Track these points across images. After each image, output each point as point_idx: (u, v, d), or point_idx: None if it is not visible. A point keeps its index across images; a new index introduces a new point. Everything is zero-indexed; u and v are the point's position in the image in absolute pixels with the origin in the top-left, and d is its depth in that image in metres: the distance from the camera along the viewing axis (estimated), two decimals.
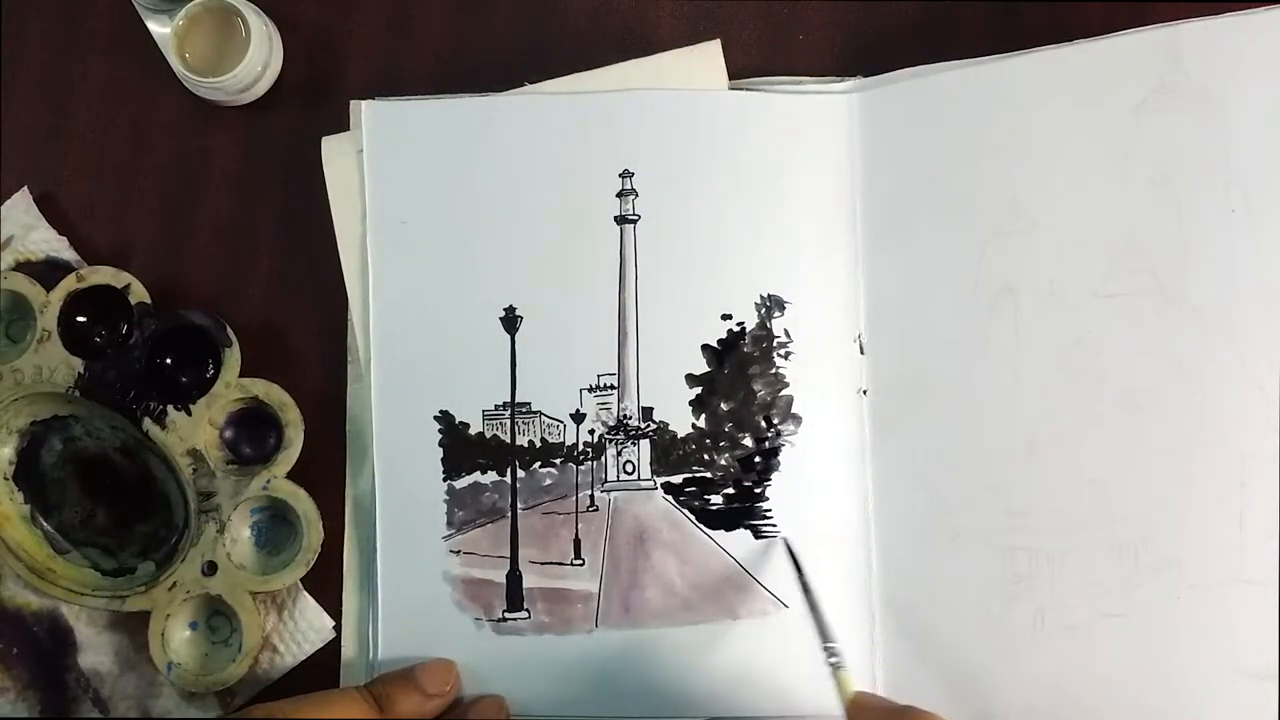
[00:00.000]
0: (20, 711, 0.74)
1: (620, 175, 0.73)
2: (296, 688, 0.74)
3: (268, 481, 0.73)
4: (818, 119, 0.74)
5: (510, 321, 0.73)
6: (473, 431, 0.73)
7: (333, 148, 0.76)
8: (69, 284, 0.73)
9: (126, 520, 0.76)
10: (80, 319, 0.74)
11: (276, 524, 0.75)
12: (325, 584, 0.75)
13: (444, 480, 0.73)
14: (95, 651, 0.74)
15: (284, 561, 0.73)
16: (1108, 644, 0.69)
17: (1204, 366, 0.69)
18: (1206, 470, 0.69)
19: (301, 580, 0.73)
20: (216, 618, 0.75)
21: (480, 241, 0.74)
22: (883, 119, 0.73)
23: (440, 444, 0.73)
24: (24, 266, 0.75)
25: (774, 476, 0.72)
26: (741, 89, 0.75)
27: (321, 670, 0.74)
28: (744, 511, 0.72)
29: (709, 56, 0.75)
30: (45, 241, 0.76)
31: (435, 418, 0.73)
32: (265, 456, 0.74)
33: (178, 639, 0.73)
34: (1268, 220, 0.69)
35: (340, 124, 0.76)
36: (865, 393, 0.73)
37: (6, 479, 0.74)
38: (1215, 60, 0.70)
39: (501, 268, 0.74)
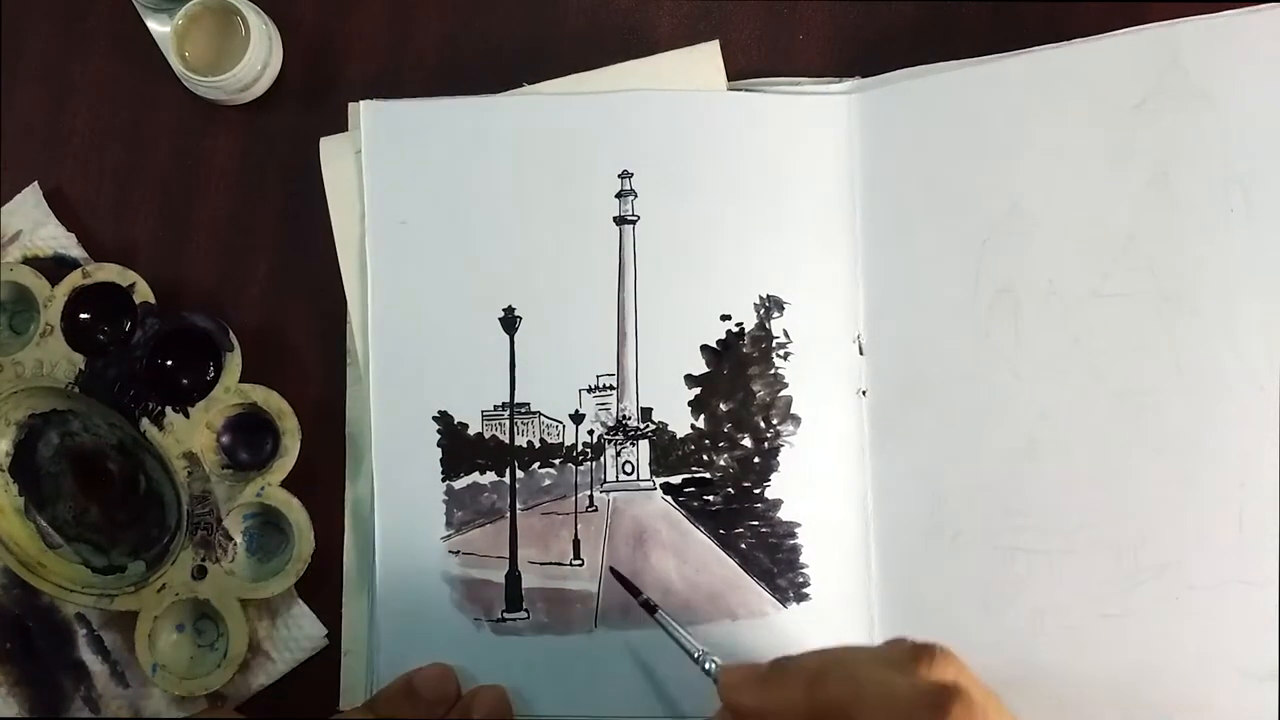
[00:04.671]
0: (10, 709, 0.76)
1: (619, 176, 0.77)
2: (296, 689, 0.77)
3: (262, 489, 0.76)
4: (816, 120, 0.77)
5: (509, 322, 0.76)
6: (472, 432, 0.76)
7: (331, 149, 0.79)
8: (74, 279, 0.76)
9: (119, 519, 0.78)
10: (84, 315, 0.77)
11: (269, 530, 0.78)
12: (323, 587, 0.77)
13: (443, 481, 0.76)
14: (87, 650, 0.76)
15: (274, 569, 0.76)
16: (1107, 644, 0.72)
17: (1203, 366, 0.72)
18: (1206, 470, 0.72)
19: (298, 584, 0.76)
20: (204, 621, 0.77)
21: (479, 242, 0.77)
22: (881, 119, 0.76)
23: (439, 444, 0.76)
24: (32, 262, 0.78)
25: (773, 477, 0.75)
26: (740, 89, 0.78)
27: (321, 672, 0.77)
28: (743, 512, 0.75)
29: (708, 57, 0.78)
30: (54, 238, 0.79)
31: (434, 418, 0.76)
32: (261, 463, 0.77)
33: (164, 641, 0.76)
34: (1267, 219, 0.72)
35: (340, 123, 0.79)
36: (864, 393, 0.75)
37: (2, 470, 0.77)
38: (1213, 59, 0.73)
39: (500, 268, 0.77)
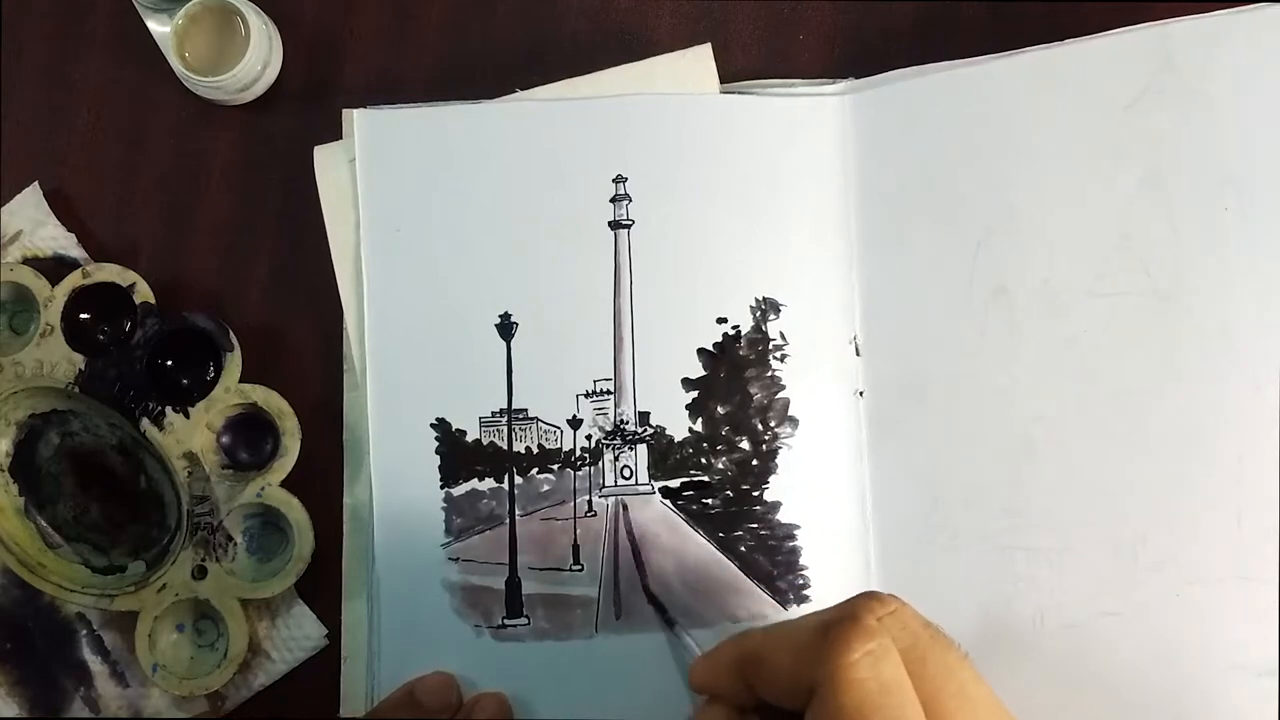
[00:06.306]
0: (10, 709, 0.77)
1: (613, 180, 0.77)
2: (294, 693, 0.78)
3: (262, 489, 0.77)
4: (810, 121, 0.77)
5: (506, 328, 0.77)
6: (470, 439, 0.77)
7: (325, 157, 0.79)
8: (74, 279, 0.77)
9: (119, 519, 0.79)
10: (84, 315, 0.78)
11: (269, 531, 0.79)
12: (323, 590, 0.78)
13: (441, 488, 0.76)
14: (87, 650, 0.78)
15: (275, 569, 0.77)
16: (1107, 642, 0.73)
17: (1200, 364, 0.73)
18: (1204, 468, 0.73)
19: (298, 586, 0.77)
20: (204, 621, 0.78)
21: (474, 248, 0.77)
22: (875, 120, 0.77)
23: (437, 451, 0.77)
24: (32, 262, 0.79)
25: (771, 479, 0.76)
26: (733, 92, 0.78)
27: (321, 677, 0.77)
28: (742, 515, 0.76)
29: (700, 60, 0.78)
30: (54, 239, 0.79)
31: (432, 425, 0.77)
32: (261, 463, 0.78)
33: (164, 641, 0.77)
34: (1260, 218, 0.73)
35: (340, 123, 0.79)
36: (861, 394, 0.76)
37: (2, 470, 0.78)
38: (1206, 59, 0.74)
39: (496, 274, 0.77)
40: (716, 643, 0.66)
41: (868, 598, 0.57)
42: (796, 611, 0.75)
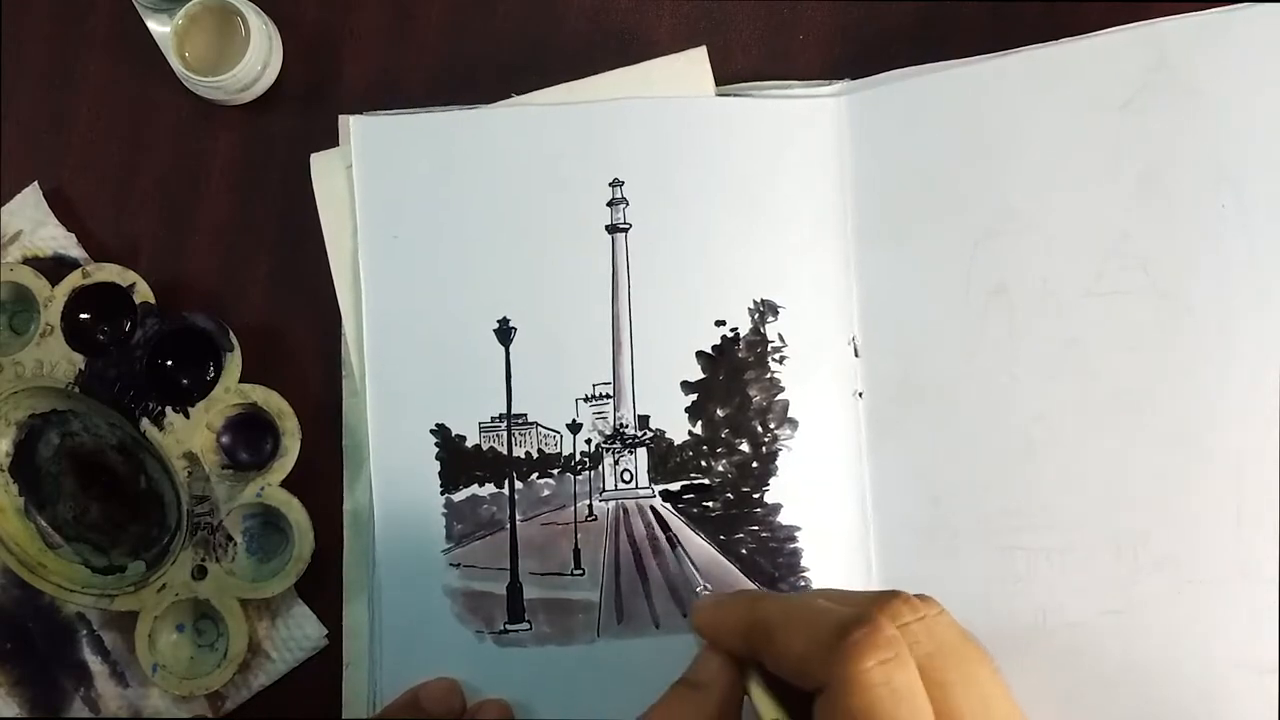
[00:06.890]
0: (9, 709, 0.78)
1: (610, 184, 0.77)
2: (294, 693, 0.78)
3: (262, 489, 0.77)
4: (806, 122, 0.77)
5: (504, 333, 0.77)
6: (469, 444, 0.77)
7: (321, 164, 0.79)
8: (74, 279, 0.77)
9: (119, 519, 0.79)
10: (84, 315, 0.78)
11: (269, 531, 0.79)
12: (323, 590, 0.78)
13: (442, 494, 0.77)
14: (87, 650, 0.78)
15: (274, 569, 0.77)
16: (1108, 641, 0.73)
17: (1199, 363, 0.73)
18: (1204, 466, 0.73)
19: (298, 586, 0.77)
20: (204, 621, 0.79)
21: (472, 254, 0.77)
22: (871, 121, 0.77)
23: (437, 457, 0.77)
24: (32, 262, 0.79)
25: (772, 481, 0.76)
26: (729, 95, 0.78)
27: (321, 678, 0.78)
28: (743, 517, 0.76)
29: (695, 63, 0.78)
30: (54, 239, 0.80)
31: (431, 431, 0.77)
32: (261, 463, 0.78)
33: (164, 641, 0.77)
34: (1259, 215, 0.73)
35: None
36: (861, 395, 0.76)
37: (2, 470, 0.78)
38: (1200, 57, 0.74)
39: (494, 279, 0.77)
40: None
41: (893, 601, 0.57)
42: None
